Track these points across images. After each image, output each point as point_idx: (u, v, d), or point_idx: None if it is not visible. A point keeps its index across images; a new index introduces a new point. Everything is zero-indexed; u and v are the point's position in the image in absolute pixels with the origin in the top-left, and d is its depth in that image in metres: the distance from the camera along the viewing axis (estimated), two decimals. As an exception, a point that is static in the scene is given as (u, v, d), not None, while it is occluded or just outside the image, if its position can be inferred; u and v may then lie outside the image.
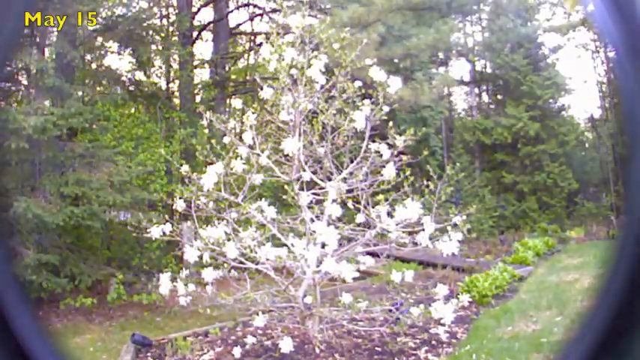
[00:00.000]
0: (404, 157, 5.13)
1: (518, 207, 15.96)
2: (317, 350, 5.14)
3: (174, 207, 5.25)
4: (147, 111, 12.80)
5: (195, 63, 14.16)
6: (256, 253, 4.69)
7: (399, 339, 5.42)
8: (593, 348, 1.16)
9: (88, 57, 10.89)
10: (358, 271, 4.70)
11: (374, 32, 9.85)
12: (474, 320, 6.27)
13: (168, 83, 13.14)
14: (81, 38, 10.01)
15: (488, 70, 18.92)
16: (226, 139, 5.40)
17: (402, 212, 4.69)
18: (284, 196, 5.19)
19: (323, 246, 4.42)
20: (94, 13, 9.37)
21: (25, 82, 9.03)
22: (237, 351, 5.09)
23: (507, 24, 16.40)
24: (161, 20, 13.39)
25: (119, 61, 12.37)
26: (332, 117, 5.17)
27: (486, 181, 16.45)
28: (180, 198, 5.18)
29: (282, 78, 5.02)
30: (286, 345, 4.68)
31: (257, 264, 4.95)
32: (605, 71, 17.07)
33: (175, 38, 12.30)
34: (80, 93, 9.77)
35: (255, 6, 15.78)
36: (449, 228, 4.88)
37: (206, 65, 15.52)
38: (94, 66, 11.24)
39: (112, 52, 11.82)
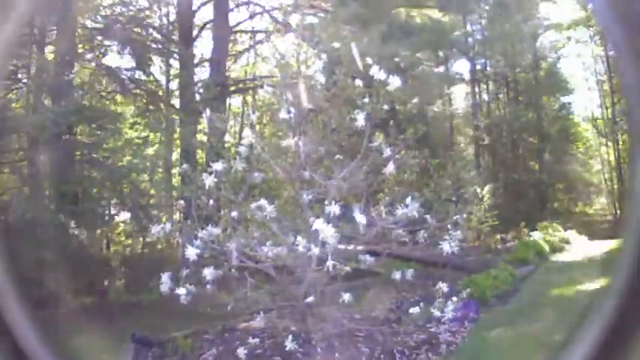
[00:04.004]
0: (404, 156, 5.12)
1: (518, 206, 15.94)
2: (318, 349, 5.13)
3: (174, 205, 5.25)
4: (147, 110, 12.79)
5: (195, 62, 14.15)
6: (257, 251, 4.68)
7: (399, 338, 5.41)
8: (595, 347, 1.15)
9: (88, 56, 10.88)
10: (359, 270, 4.69)
11: (374, 30, 9.84)
12: (475, 319, 6.26)
13: (168, 82, 13.12)
14: (81, 37, 10.00)
15: (489, 69, 18.88)
16: (226, 138, 5.39)
17: (403, 211, 4.68)
18: (285, 195, 5.18)
19: (323, 244, 4.41)
20: (95, 12, 9.36)
21: (25, 80, 9.02)
22: (241, 352, 5.08)
23: (508, 22, 16.36)
24: (161, 19, 13.37)
25: (119, 59, 12.36)
26: (332, 115, 5.16)
27: (487, 179, 16.43)
28: (180, 198, 5.18)
29: (282, 77, 5.01)
30: (289, 344, 4.68)
31: (257, 263, 4.94)
32: (605, 69, 17.04)
33: (175, 37, 12.29)
34: (80, 91, 9.77)
35: (255, 4, 15.76)
36: (449, 227, 4.87)
37: (206, 64, 15.50)
38: (93, 64, 11.23)
39: (112, 51, 11.81)
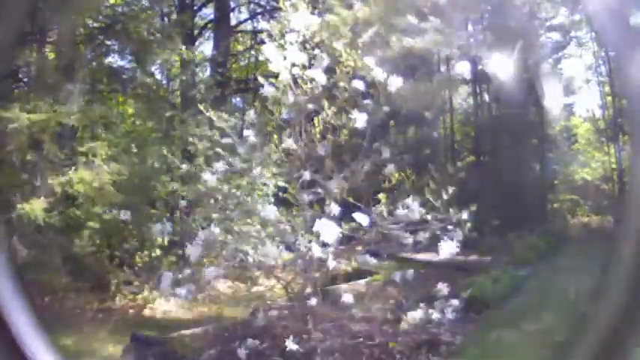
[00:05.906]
0: (405, 157, 5.12)
1: (519, 206, 15.91)
2: (318, 350, 5.13)
3: (175, 205, 5.26)
4: (147, 109, 12.76)
5: (196, 61, 14.13)
6: (257, 251, 4.69)
7: (399, 339, 5.40)
8: (595, 348, 1.15)
9: (89, 55, 10.88)
10: (359, 270, 4.70)
11: (374, 31, 9.81)
12: (475, 320, 6.25)
13: (169, 81, 13.11)
14: (81, 36, 10.01)
15: (490, 69, 18.82)
16: (227, 138, 5.39)
17: (403, 212, 4.68)
18: (285, 195, 5.18)
19: (324, 245, 4.42)
20: (96, 12, 9.37)
21: (25, 80, 9.03)
22: (241, 352, 5.07)
23: (509, 22, 16.33)
24: (162, 19, 13.36)
25: (120, 59, 12.33)
26: (333, 116, 5.16)
27: (487, 179, 16.41)
28: (181, 198, 5.19)
29: (283, 77, 5.01)
30: (290, 345, 4.68)
31: (258, 262, 4.94)
32: (606, 71, 17.01)
33: (176, 36, 12.27)
34: (81, 91, 9.76)
35: (256, 4, 15.75)
36: (450, 227, 4.86)
37: (207, 63, 15.48)
38: (94, 64, 11.22)
39: (114, 51, 11.80)
